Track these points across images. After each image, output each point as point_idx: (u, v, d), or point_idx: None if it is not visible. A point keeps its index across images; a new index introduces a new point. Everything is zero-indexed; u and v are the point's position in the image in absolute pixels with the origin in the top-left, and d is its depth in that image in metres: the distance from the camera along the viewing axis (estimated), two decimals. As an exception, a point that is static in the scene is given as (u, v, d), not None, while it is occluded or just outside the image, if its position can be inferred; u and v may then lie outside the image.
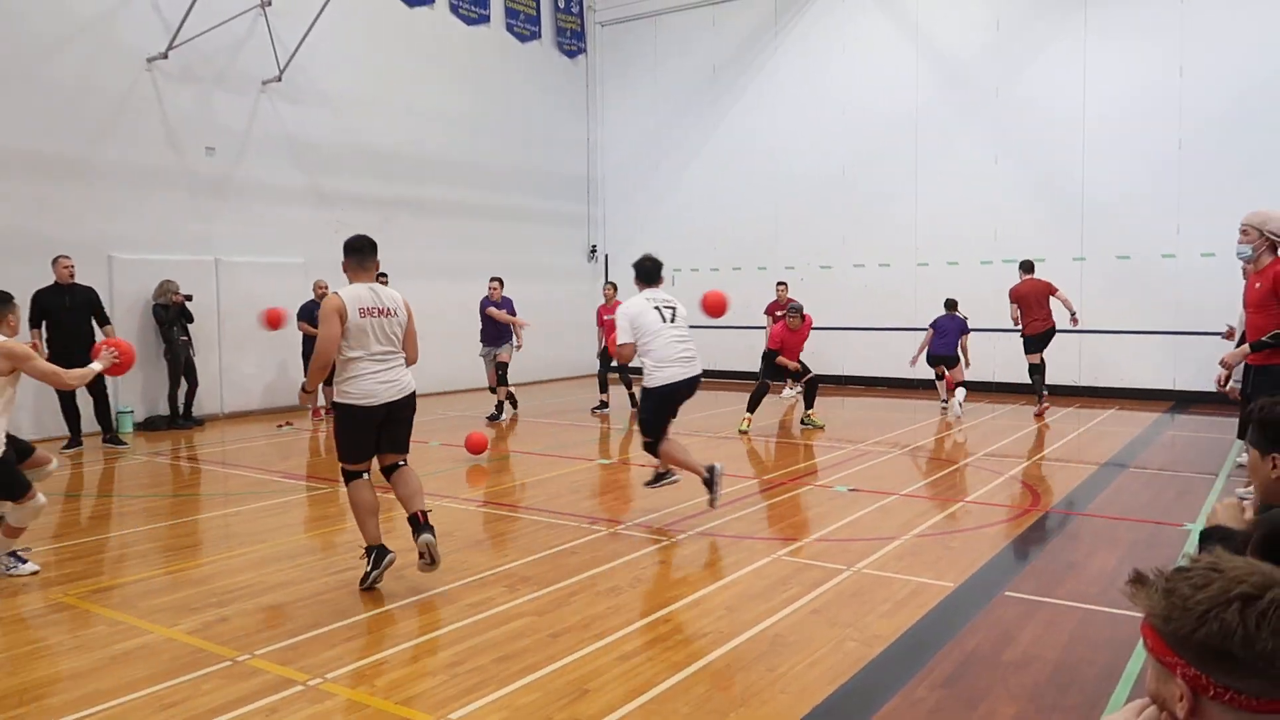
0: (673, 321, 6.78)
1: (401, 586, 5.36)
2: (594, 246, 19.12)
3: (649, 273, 7.05)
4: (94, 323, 10.24)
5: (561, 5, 18.41)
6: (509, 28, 17.26)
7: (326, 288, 12.56)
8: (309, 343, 12.41)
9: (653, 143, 18.38)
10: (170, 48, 11.85)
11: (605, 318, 13.43)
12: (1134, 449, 9.80)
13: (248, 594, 5.26)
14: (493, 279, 12.89)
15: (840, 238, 16.18)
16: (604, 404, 13.57)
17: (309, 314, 12.26)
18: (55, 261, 10.18)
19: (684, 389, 6.68)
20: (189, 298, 11.73)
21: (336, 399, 5.29)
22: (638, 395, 8.79)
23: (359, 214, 14.45)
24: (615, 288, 14.03)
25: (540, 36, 17.92)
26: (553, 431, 11.60)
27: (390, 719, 3.69)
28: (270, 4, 12.59)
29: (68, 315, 9.99)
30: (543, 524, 6.78)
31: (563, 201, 18.44)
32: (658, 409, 6.70)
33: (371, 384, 5.22)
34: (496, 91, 16.87)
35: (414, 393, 5.46)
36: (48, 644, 4.56)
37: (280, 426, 11.97)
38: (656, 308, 6.78)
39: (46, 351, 9.61)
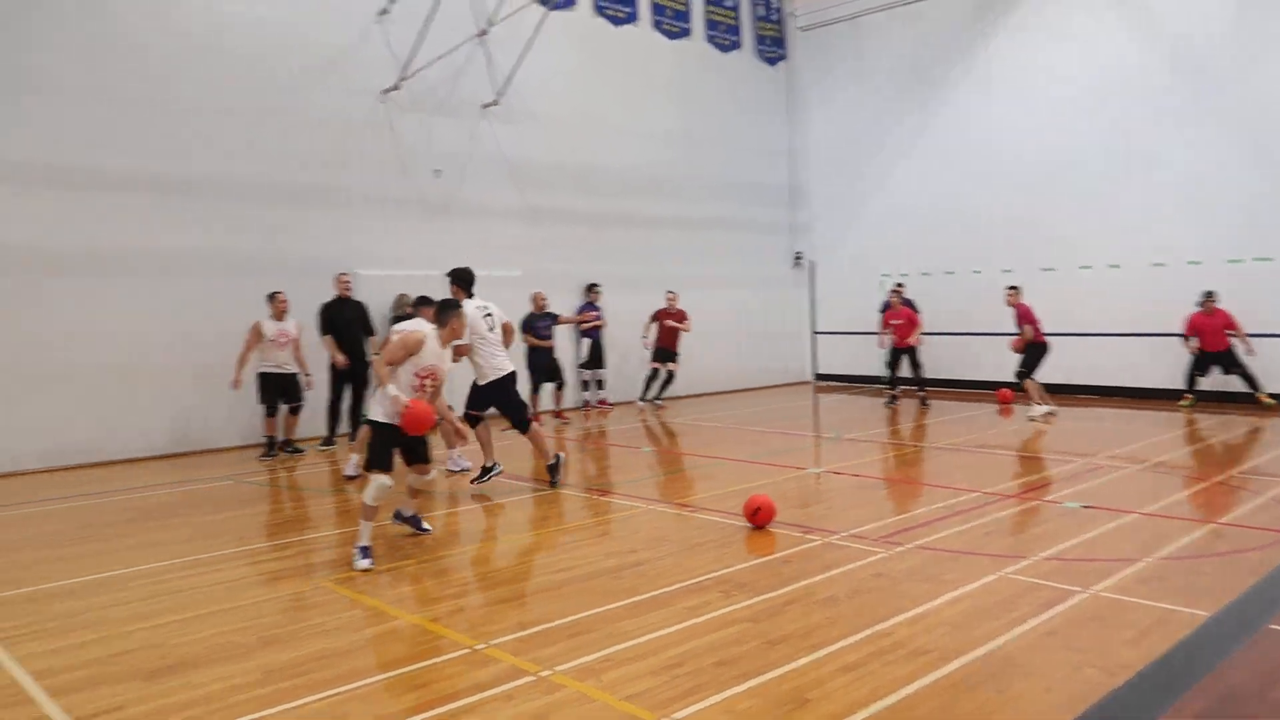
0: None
1: (621, 587, 5.53)
2: (799, 254, 18.95)
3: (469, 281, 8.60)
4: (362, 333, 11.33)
5: (761, 13, 18.42)
6: (710, 39, 17.45)
7: (546, 300, 13.21)
8: (533, 353, 13.01)
9: (856, 146, 18.01)
10: (401, 80, 12.82)
11: (892, 321, 14.42)
12: None
13: (480, 587, 5.61)
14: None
15: (1062, 238, 15.21)
16: (894, 398, 14.67)
17: (530, 325, 12.96)
18: (337, 278, 11.32)
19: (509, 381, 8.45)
20: (420, 310, 12.61)
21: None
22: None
23: (570, 229, 15.05)
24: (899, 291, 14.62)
25: (740, 46, 18.01)
26: (762, 439, 11.59)
27: (616, 714, 3.83)
28: (487, 33, 13.37)
29: (347, 326, 11.05)
30: (754, 531, 6.79)
31: (766, 209, 18.41)
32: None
33: None
34: (699, 103, 17.10)
35: None
36: (312, 625, 5.05)
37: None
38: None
39: (342, 358, 10.70)
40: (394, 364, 6.18)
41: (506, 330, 8.71)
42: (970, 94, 16.37)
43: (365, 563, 6.02)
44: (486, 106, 14.00)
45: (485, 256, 13.94)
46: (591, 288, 14.79)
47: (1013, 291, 13.27)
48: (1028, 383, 12.99)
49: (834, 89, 18.39)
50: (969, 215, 16.34)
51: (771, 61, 18.64)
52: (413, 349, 6.19)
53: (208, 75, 11.31)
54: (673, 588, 5.48)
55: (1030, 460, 9.86)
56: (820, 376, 18.96)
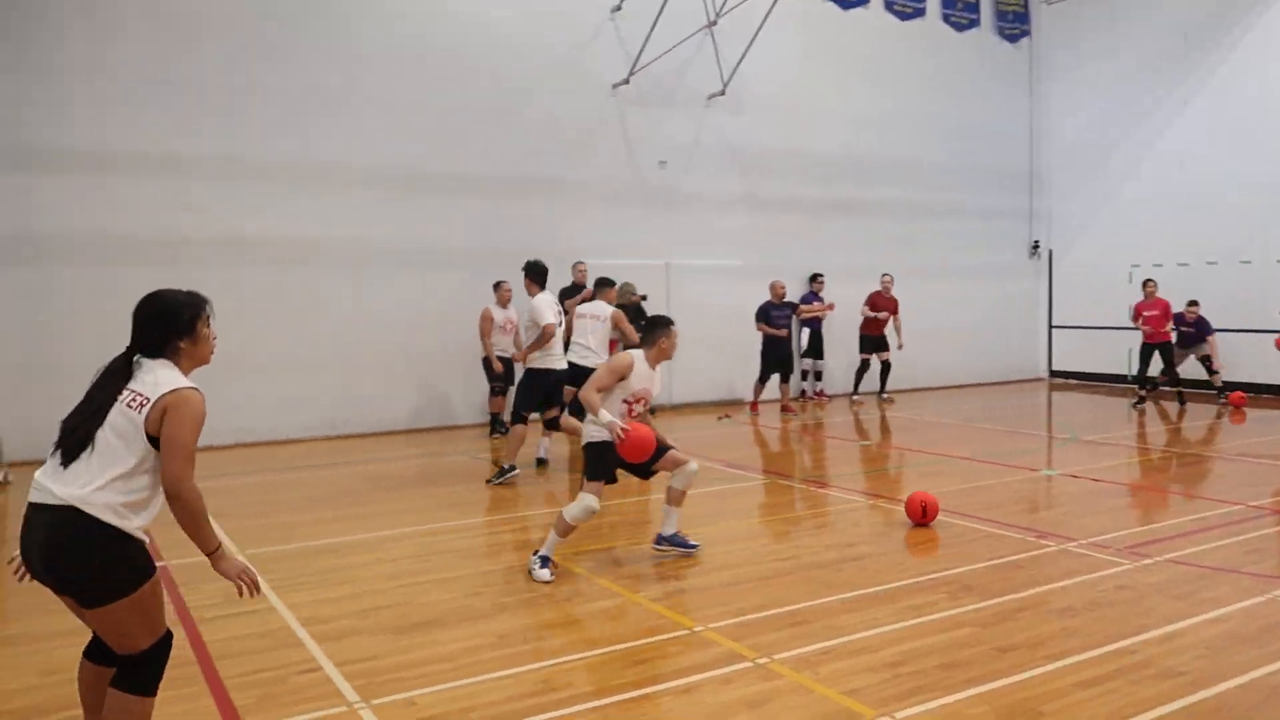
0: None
1: (840, 580, 5.46)
2: (1036, 242, 17.80)
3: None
4: None
5: (1004, -12, 17.39)
6: (945, 18, 16.67)
7: (785, 288, 13.18)
8: (768, 343, 13.00)
9: (1106, 125, 16.64)
10: (631, 74, 13.16)
11: (1145, 313, 13.33)
12: None
13: (699, 571, 5.70)
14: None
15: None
16: (1143, 399, 13.49)
17: (766, 315, 13.05)
18: (574, 266, 11.86)
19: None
20: (644, 298, 12.93)
21: None
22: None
23: (792, 217, 14.91)
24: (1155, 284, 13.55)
25: (979, 24, 17.08)
26: (990, 437, 11.03)
27: (834, 707, 3.79)
28: (716, 24, 13.45)
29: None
30: (983, 533, 6.49)
31: (1001, 196, 17.40)
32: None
33: None
34: (931, 86, 16.39)
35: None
36: (541, 594, 5.32)
37: (720, 419, 12.75)
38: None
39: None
40: (603, 390, 5.75)
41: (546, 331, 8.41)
42: (1248, 58, 14.69)
43: (544, 573, 5.53)
44: (712, 97, 14.11)
45: (706, 246, 14.13)
46: (815, 278, 14.57)
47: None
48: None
49: (1082, 64, 17.08)
50: (1238, 197, 14.72)
51: (1012, 38, 17.56)
52: (622, 373, 5.78)
53: (444, 78, 12.07)
54: (894, 585, 5.35)
55: (1307, 473, 8.80)
56: (1055, 373, 17.75)
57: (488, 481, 8.53)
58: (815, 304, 14.24)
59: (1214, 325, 13.61)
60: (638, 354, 5.93)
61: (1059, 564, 5.75)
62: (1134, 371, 13.82)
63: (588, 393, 5.70)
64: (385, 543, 6.60)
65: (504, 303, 11.14)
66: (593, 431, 5.82)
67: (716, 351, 14.04)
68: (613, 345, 9.56)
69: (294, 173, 11.12)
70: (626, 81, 13.25)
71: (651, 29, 12.75)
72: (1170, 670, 4.10)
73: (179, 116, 10.45)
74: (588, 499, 5.64)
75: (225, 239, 10.71)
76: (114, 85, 10.12)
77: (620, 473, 5.95)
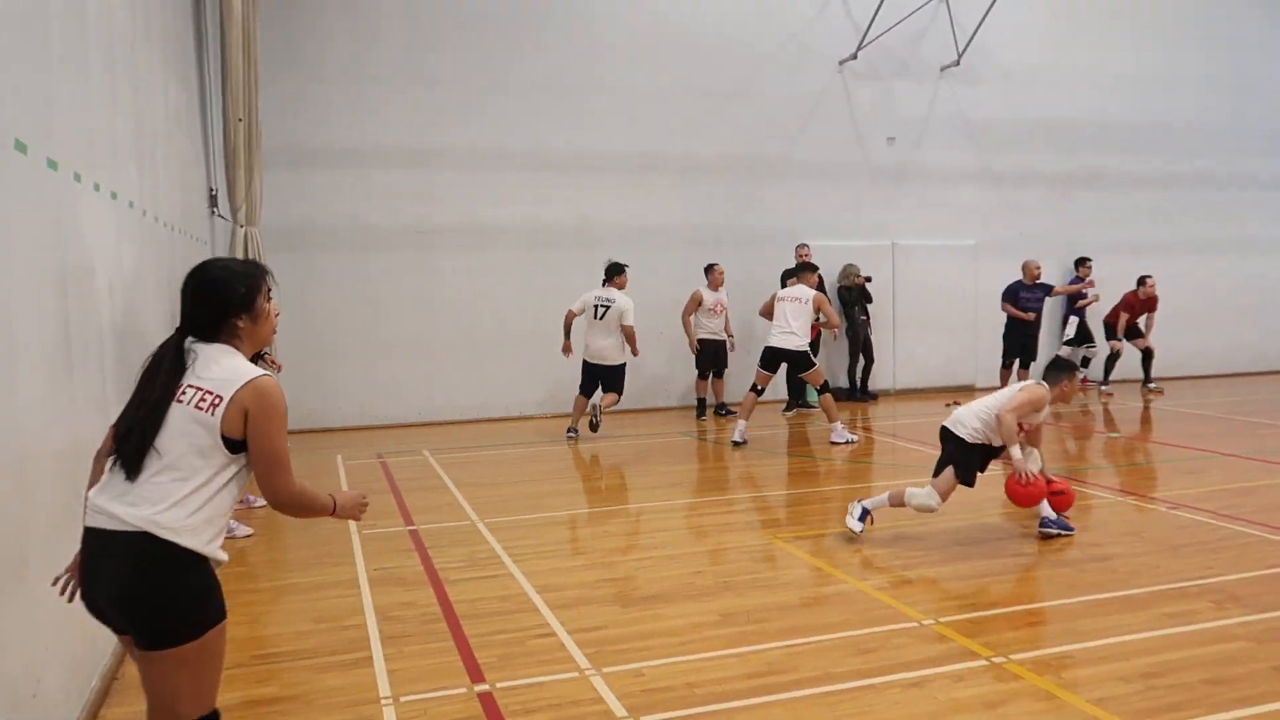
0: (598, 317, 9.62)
1: (1085, 581, 5.10)
2: (1323, 213, 15.71)
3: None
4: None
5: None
6: (1217, -31, 14.98)
7: (1040, 269, 12.40)
8: (1012, 325, 12.32)
9: None
10: (859, 48, 12.77)
11: None
12: None
13: (926, 562, 5.50)
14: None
15: None
16: None
17: (1013, 295, 12.35)
18: (797, 249, 11.88)
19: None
20: (869, 279, 12.60)
21: None
22: None
23: (1032, 191, 13.99)
24: None
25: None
26: (1262, 432, 9.90)
27: (1080, 715, 3.56)
28: (951, -9, 12.81)
29: None
30: (1255, 538, 5.85)
31: (1277, 160, 15.47)
32: None
33: None
34: (1195, 40, 14.75)
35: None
36: (765, 577, 5.33)
37: (948, 405, 12.18)
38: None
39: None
40: (1022, 417, 5.78)
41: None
42: None
43: (858, 525, 5.86)
44: (946, 68, 13.45)
45: (934, 225, 13.52)
46: (1082, 262, 13.55)
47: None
48: None
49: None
50: None
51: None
52: (1039, 407, 5.83)
53: (666, 62, 12.19)
54: (1147, 589, 4.93)
55: None
56: None
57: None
58: (1074, 284, 13.27)
59: None
60: (1046, 392, 5.86)
61: (1351, 578, 5.09)
62: None
63: (1009, 418, 5.67)
64: (612, 517, 6.83)
65: (716, 285, 11.21)
66: (970, 430, 5.85)
67: (945, 334, 13.45)
68: (814, 329, 9.53)
69: (528, 160, 11.63)
70: (854, 57, 12.88)
71: (881, 1, 12.31)
72: None
73: (427, 112, 11.21)
74: (932, 498, 5.80)
75: (466, 226, 11.40)
76: (372, 85, 11.00)
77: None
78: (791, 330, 9.19)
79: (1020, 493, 5.74)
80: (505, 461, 9.14)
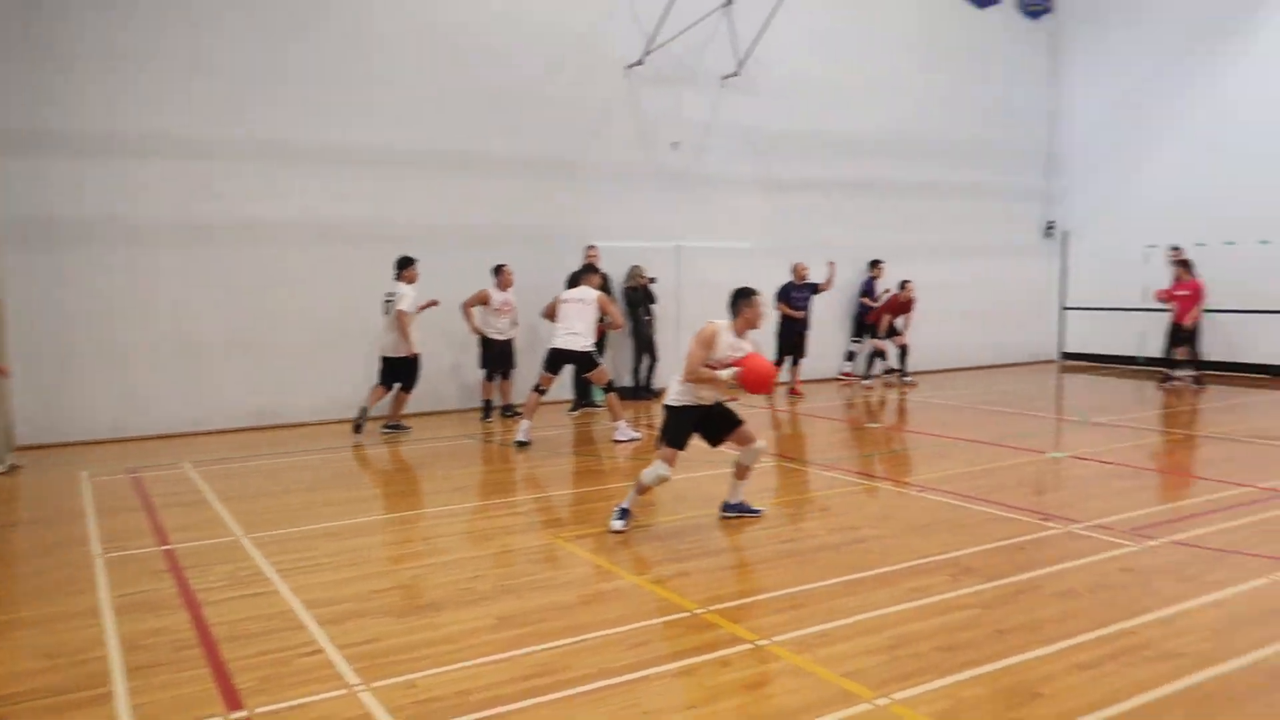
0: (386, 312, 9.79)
1: (843, 563, 5.46)
2: (1051, 223, 17.63)
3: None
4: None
5: (1026, -35, 17.14)
6: (966, -5, 16.46)
7: (808, 270, 13.12)
8: (784, 322, 13.02)
9: (1127, 108, 16.41)
10: (646, 54, 13.07)
11: (1179, 293, 13.51)
12: None
13: (703, 553, 5.71)
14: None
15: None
16: (1168, 378, 13.67)
17: (785, 295, 13.10)
18: (586, 250, 12.00)
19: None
20: (653, 280, 12.92)
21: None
22: None
23: (805, 197, 14.82)
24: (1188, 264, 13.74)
25: (1000, 0, 16.85)
26: (999, 420, 10.98)
27: (833, 689, 3.80)
28: (731, 3, 13.33)
29: None
30: (988, 515, 6.48)
31: (1017, 175, 17.22)
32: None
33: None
34: (950, 63, 16.19)
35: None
36: (544, 577, 5.34)
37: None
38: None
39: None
40: (702, 363, 5.99)
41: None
42: (1267, 50, 14.47)
43: (619, 524, 6.11)
44: (727, 78, 14.00)
45: (719, 228, 14.07)
46: (875, 264, 14.79)
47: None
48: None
49: (1104, 45, 16.85)
50: (1258, 180, 14.52)
51: (1034, 15, 17.30)
52: (709, 343, 6.00)
53: (458, 61, 12.03)
54: (897, 567, 5.34)
55: (1321, 454, 8.73)
56: (1067, 355, 17.63)
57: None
58: (867, 288, 14.48)
59: (1231, 305, 13.47)
60: (722, 324, 6.11)
61: (1062, 546, 5.73)
62: (1164, 351, 13.79)
63: (695, 371, 5.97)
64: (388, 526, 6.64)
65: (504, 286, 11.16)
66: (674, 395, 6.19)
67: (726, 334, 14.00)
68: (598, 329, 9.73)
69: (310, 156, 11.07)
70: (641, 62, 13.17)
71: (668, 8, 12.65)
72: (1170, 652, 4.08)
73: (197, 99, 10.42)
74: (661, 467, 6.09)
75: (242, 221, 10.70)
76: (128, 70, 10.11)
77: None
78: (576, 331, 9.35)
79: (753, 380, 5.92)
80: (277, 471, 8.67)
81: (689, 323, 13.71)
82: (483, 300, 11.09)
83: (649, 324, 12.98)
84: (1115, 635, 4.29)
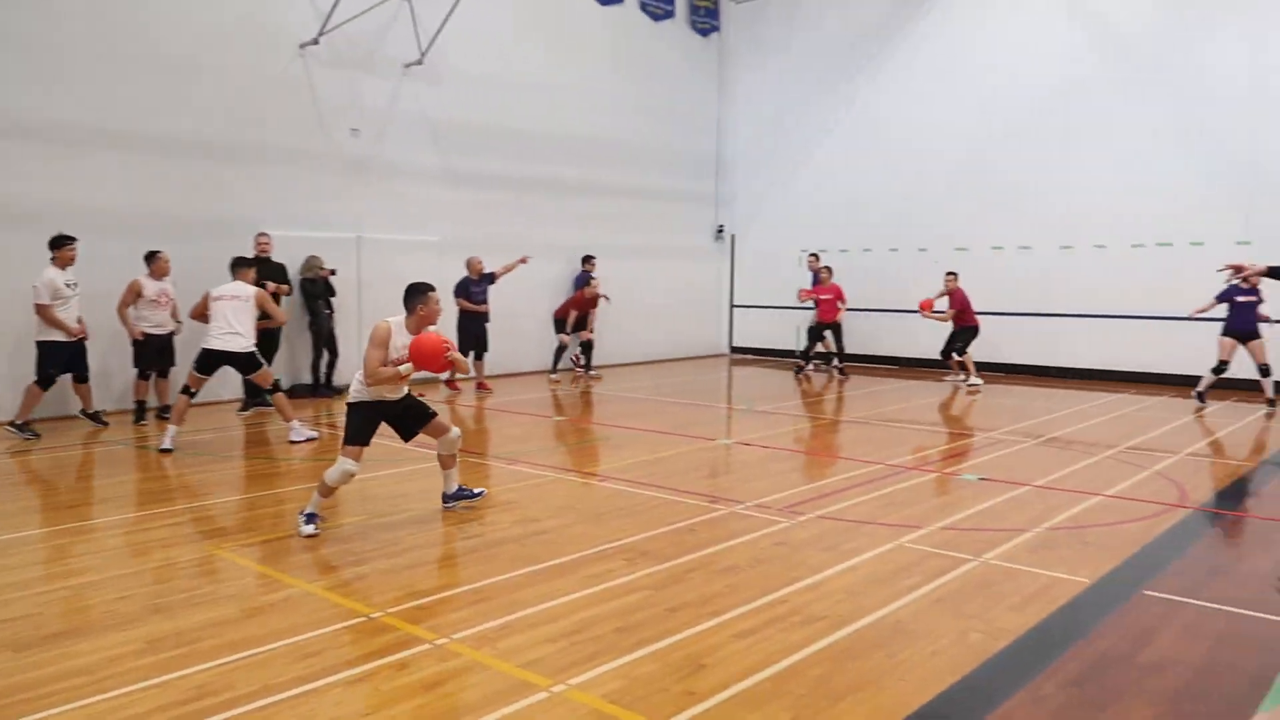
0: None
1: (524, 555, 5.51)
2: (720, 226, 19.03)
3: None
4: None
5: (695, -16, 18.33)
6: (643, 7, 17.29)
7: (483, 264, 13.00)
8: (464, 317, 12.86)
9: (782, 121, 18.13)
10: (321, 34, 12.39)
11: (821, 296, 14.92)
12: (1297, 447, 9.12)
13: (382, 555, 5.52)
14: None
15: (979, 219, 15.59)
16: (801, 369, 15.36)
17: (464, 290, 12.94)
18: (256, 238, 11.30)
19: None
20: (333, 272, 12.31)
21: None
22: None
23: (493, 193, 14.83)
24: (830, 270, 15.36)
25: (674, 15, 17.89)
26: (675, 411, 11.66)
27: (511, 681, 3.82)
28: (412, -12, 13.03)
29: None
30: (662, 501, 6.84)
31: (692, 180, 18.43)
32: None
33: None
34: (629, 70, 16.96)
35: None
36: (202, 592, 4.90)
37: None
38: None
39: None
40: (384, 362, 5.93)
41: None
42: (897, 74, 16.57)
43: (310, 528, 5.86)
44: (409, 66, 13.64)
45: (403, 220, 13.69)
46: (587, 259, 15.25)
47: (951, 277, 13.90)
48: (966, 358, 13.84)
49: (764, 63, 18.43)
50: (890, 193, 16.60)
51: (704, 32, 18.56)
52: (383, 342, 5.92)
53: (119, 24, 10.74)
54: (576, 555, 5.49)
55: (934, 434, 10.13)
56: (735, 349, 19.16)
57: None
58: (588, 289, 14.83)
59: (868, 305, 15.28)
60: (395, 321, 6.01)
61: (728, 526, 6.19)
62: (802, 347, 15.37)
63: (375, 373, 5.90)
64: (12, 547, 5.77)
65: (159, 275, 10.15)
66: (354, 392, 6.08)
67: (413, 329, 13.69)
68: (259, 327, 9.15)
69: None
70: (316, 42, 12.46)
71: (342, -12, 12.09)
72: (814, 615, 4.54)
73: None
74: (346, 463, 5.90)
75: None
76: None
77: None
78: (235, 331, 8.69)
79: (423, 358, 5.88)
80: None
81: (372, 317, 13.19)
82: (135, 292, 9.99)
83: (329, 318, 12.37)
84: (771, 604, 4.69)
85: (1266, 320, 11.56)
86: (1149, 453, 8.75)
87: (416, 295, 6.06)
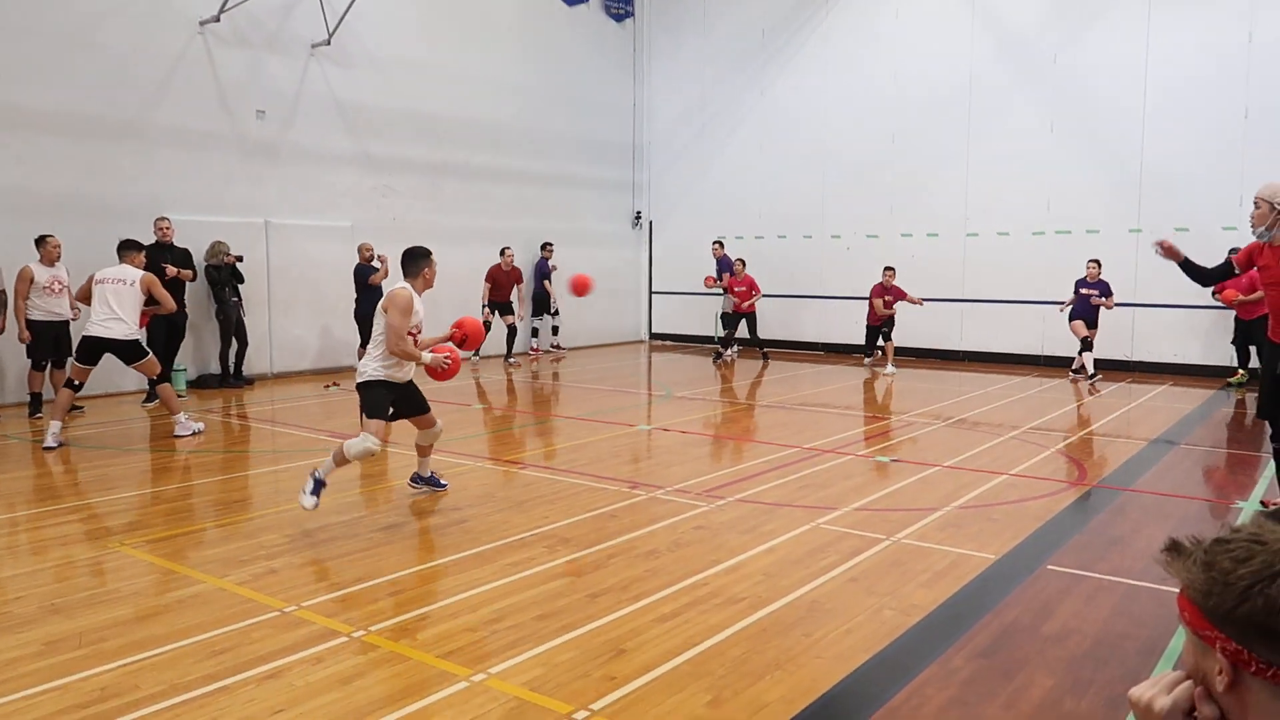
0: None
1: (444, 544, 5.45)
2: (638, 213, 19.05)
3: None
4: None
5: (610, -31, 18.24)
6: (557, -9, 17.14)
7: (373, 251, 12.69)
8: (360, 301, 12.52)
9: (698, 109, 18.22)
10: (222, 11, 11.95)
11: (736, 288, 15.06)
12: (1186, 426, 9.60)
13: (295, 548, 5.39)
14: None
15: (888, 207, 15.94)
16: (720, 355, 15.54)
17: (362, 276, 12.53)
18: (156, 223, 10.83)
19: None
20: (240, 259, 11.93)
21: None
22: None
23: (407, 179, 14.56)
24: (744, 263, 15.35)
25: (588, 1, 17.77)
26: (596, 397, 11.66)
27: (430, 671, 3.77)
28: (319, -34, 12.64)
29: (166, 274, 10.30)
30: (584, 487, 6.84)
31: (609, 167, 18.38)
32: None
33: None
34: (544, 56, 16.80)
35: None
36: (104, 591, 4.72)
37: (327, 387, 12.17)
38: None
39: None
40: (409, 333, 5.86)
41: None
42: (808, 63, 16.79)
43: (312, 500, 5.75)
44: (317, 46, 13.26)
45: (312, 205, 13.33)
46: (545, 245, 16.07)
47: (889, 272, 14.35)
48: (888, 345, 14.30)
49: (679, 50, 18.46)
50: (803, 181, 16.84)
51: (619, 18, 18.49)
52: (408, 307, 5.84)
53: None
54: (497, 543, 5.45)
55: (849, 418, 10.34)
56: (655, 336, 19.24)
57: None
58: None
59: (784, 291, 15.50)
60: (406, 285, 5.99)
61: (648, 511, 6.22)
62: (720, 334, 15.55)
63: (402, 346, 5.78)
64: (-103, 548, 5.46)
65: (50, 260, 9.68)
66: (367, 371, 5.96)
67: (322, 316, 13.39)
68: (144, 317, 8.82)
69: None
70: (217, 19, 12.02)
71: (244, -37, 11.68)
72: (734, 597, 4.59)
73: None
74: (369, 440, 5.77)
75: None
76: None
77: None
78: (118, 316, 8.31)
79: (476, 334, 6.31)
80: None
81: (282, 304, 12.90)
82: (27, 280, 9.51)
83: (236, 306, 11.99)
84: (691, 587, 4.73)
85: (1103, 307, 12.61)
86: (1050, 432, 9.10)
87: (420, 259, 6.08)
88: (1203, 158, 13.19)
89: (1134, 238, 13.77)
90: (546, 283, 16.05)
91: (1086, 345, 12.64)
